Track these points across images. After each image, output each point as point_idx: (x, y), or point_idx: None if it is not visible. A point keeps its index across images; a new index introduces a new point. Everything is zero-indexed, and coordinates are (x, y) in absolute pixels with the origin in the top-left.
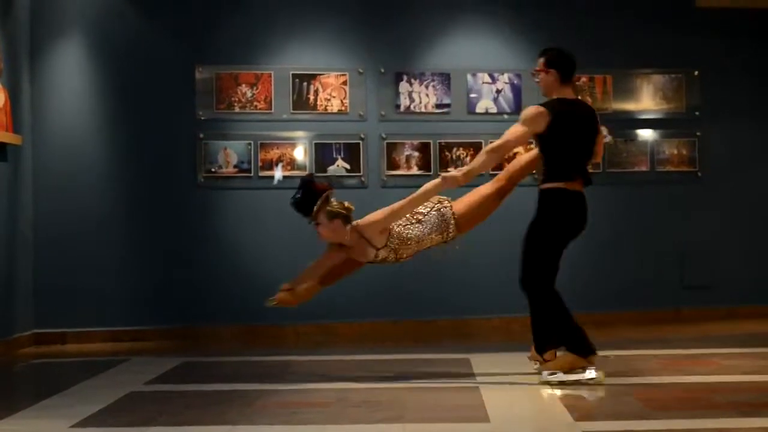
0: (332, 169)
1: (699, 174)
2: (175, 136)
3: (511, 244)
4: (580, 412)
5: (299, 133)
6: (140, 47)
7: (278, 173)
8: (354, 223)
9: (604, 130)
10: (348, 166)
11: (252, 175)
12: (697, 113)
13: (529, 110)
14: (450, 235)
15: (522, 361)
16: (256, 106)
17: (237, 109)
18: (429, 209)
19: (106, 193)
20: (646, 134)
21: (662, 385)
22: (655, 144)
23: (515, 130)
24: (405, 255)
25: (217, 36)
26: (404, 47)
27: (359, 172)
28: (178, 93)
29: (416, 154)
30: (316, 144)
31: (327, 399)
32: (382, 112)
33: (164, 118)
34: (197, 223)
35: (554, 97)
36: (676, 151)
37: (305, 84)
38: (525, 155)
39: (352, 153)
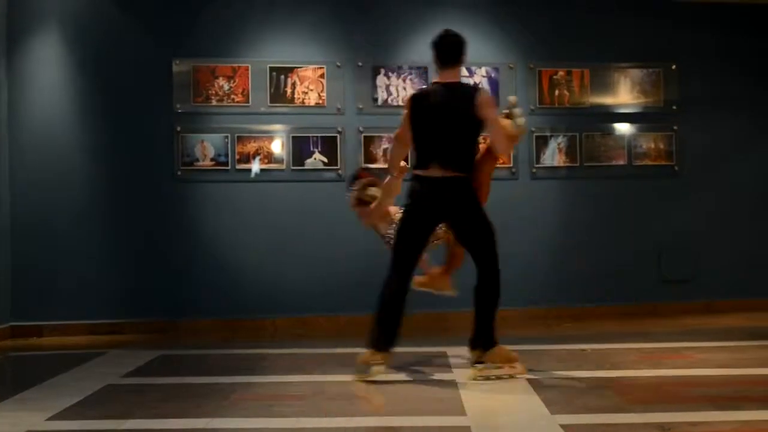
0: (309, 162)
1: (676, 168)
2: (152, 129)
3: None
4: (557, 405)
5: (276, 126)
6: (118, 40)
7: (255, 166)
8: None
9: (516, 113)
10: (325, 159)
11: (229, 168)
12: (674, 107)
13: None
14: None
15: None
16: (233, 99)
17: (214, 102)
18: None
19: (84, 185)
20: (623, 128)
21: (639, 378)
22: (633, 138)
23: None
24: None
25: (195, 29)
26: (382, 40)
27: (336, 165)
28: (156, 86)
29: None
30: (293, 137)
31: (303, 392)
32: (360, 106)
33: (141, 110)
34: (175, 216)
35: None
36: (653, 145)
37: (283, 77)
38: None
39: (329, 146)
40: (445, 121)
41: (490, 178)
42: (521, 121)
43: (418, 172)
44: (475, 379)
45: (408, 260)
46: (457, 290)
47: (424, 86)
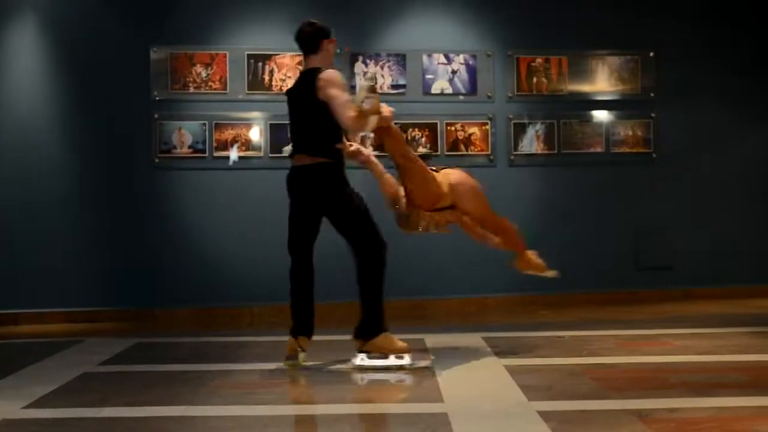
0: (287, 150)
1: (654, 155)
2: (130, 117)
3: None
4: (534, 392)
5: (254, 114)
6: (95, 27)
7: (233, 154)
8: None
9: (362, 92)
10: None
11: (207, 155)
12: (651, 95)
13: None
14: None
15: (477, 341)
16: (211, 86)
17: (192, 90)
18: None
19: (61, 173)
20: (601, 116)
21: (617, 365)
22: (611, 125)
23: None
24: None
25: (173, 16)
26: (360, 28)
27: None
28: (133, 73)
29: (371, 134)
30: (271, 125)
31: (281, 379)
32: None
33: (119, 98)
34: (152, 204)
35: None
36: (631, 133)
37: (260, 64)
38: None
39: None
40: (298, 105)
41: (408, 156)
42: (359, 98)
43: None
44: (355, 368)
45: (293, 252)
46: (557, 272)
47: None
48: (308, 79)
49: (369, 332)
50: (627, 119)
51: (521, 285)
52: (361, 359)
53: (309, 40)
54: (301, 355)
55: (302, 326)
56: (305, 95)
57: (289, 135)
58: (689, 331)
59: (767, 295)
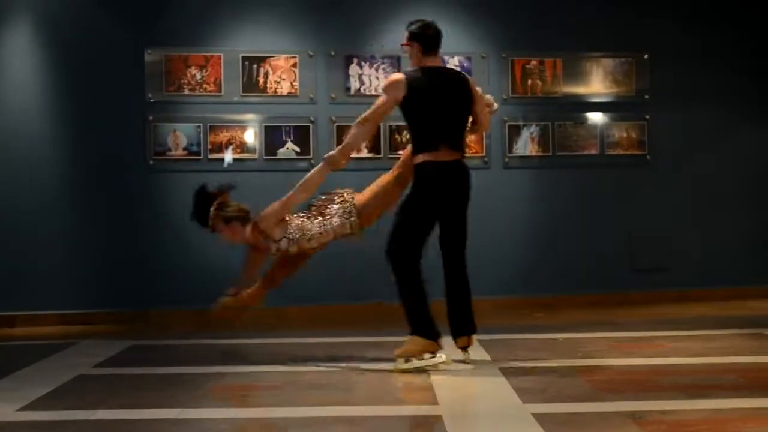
0: (282, 152)
1: (648, 157)
2: (124, 119)
3: None
4: (529, 394)
5: (249, 116)
6: (90, 29)
7: (228, 156)
8: (253, 220)
9: (489, 98)
10: (298, 149)
11: (201, 157)
12: (646, 97)
13: (390, 77)
14: (353, 227)
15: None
16: (205, 88)
17: (186, 92)
18: (332, 202)
19: (55, 175)
20: (595, 118)
21: (611, 367)
22: (605, 127)
23: (379, 98)
24: (309, 247)
25: (167, 18)
26: (354, 30)
27: (309, 155)
28: (128, 75)
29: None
30: (266, 127)
31: (276, 382)
32: (332, 95)
33: (114, 100)
34: (147, 206)
35: None
36: (625, 135)
37: (255, 66)
38: None
39: (302, 136)
40: (453, 102)
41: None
42: (491, 97)
43: (427, 157)
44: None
45: (420, 251)
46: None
47: (409, 69)
48: (454, 78)
49: (473, 328)
50: (621, 121)
51: (515, 287)
52: (469, 352)
53: (438, 39)
54: (448, 356)
55: (435, 328)
56: (458, 94)
57: (434, 128)
58: (683, 333)
59: (761, 297)
